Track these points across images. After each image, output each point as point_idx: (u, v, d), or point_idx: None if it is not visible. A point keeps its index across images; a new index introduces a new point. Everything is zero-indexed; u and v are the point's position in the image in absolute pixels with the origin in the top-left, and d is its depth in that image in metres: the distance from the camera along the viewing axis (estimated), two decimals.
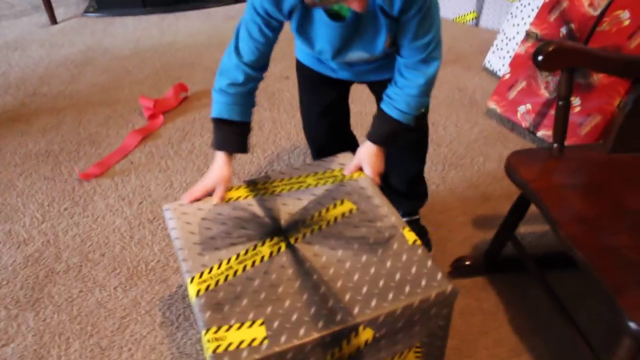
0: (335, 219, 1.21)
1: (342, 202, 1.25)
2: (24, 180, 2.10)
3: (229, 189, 1.32)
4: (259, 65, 1.31)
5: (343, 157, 1.40)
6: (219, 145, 1.33)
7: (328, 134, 1.65)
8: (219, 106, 1.32)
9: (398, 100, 1.29)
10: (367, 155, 1.35)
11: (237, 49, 1.30)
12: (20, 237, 1.84)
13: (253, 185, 1.32)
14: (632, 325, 0.97)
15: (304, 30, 1.25)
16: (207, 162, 2.12)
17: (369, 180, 1.32)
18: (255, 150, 2.17)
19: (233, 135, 1.33)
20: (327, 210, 1.23)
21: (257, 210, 1.25)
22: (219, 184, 1.30)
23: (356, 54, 1.29)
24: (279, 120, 2.33)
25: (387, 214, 1.22)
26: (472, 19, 3.17)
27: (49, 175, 2.11)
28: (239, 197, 1.29)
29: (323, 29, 1.22)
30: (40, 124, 2.41)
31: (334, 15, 1.20)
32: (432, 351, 1.16)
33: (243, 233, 1.18)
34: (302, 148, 2.16)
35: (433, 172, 2.02)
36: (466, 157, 2.10)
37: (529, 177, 1.31)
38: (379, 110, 1.33)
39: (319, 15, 1.20)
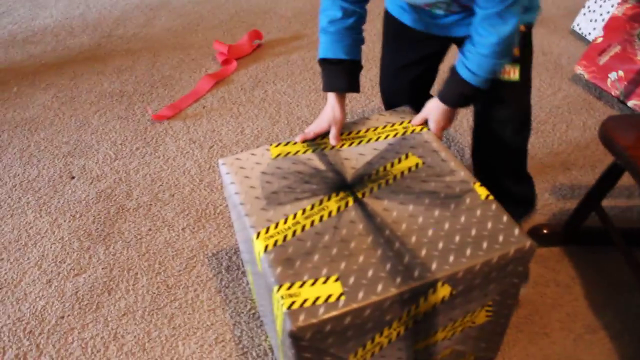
0: (402, 173, 1.16)
1: (406, 157, 1.20)
2: (98, 118, 2.13)
3: (342, 131, 1.28)
4: None
5: (403, 112, 1.34)
6: (327, 86, 1.30)
7: (403, 93, 1.55)
8: (322, 46, 1.28)
9: (470, 59, 1.19)
10: (434, 111, 1.27)
11: None
12: (93, 173, 1.88)
13: (311, 140, 1.27)
14: None
15: None
16: (279, 110, 2.10)
17: (432, 134, 1.27)
18: None
19: (340, 74, 1.28)
20: (392, 164, 1.18)
21: (319, 164, 1.20)
22: (333, 125, 1.27)
23: None
24: None
25: (456, 168, 1.16)
26: None
27: (122, 114, 2.13)
28: (297, 152, 1.24)
29: None
30: (115, 64, 2.43)
31: None
32: (502, 310, 1.13)
33: (307, 188, 1.14)
34: (377, 102, 2.10)
35: None
36: (548, 122, 1.99)
37: (626, 144, 1.22)
38: (452, 67, 1.24)
39: None
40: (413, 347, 1.08)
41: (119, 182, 1.83)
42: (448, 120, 1.29)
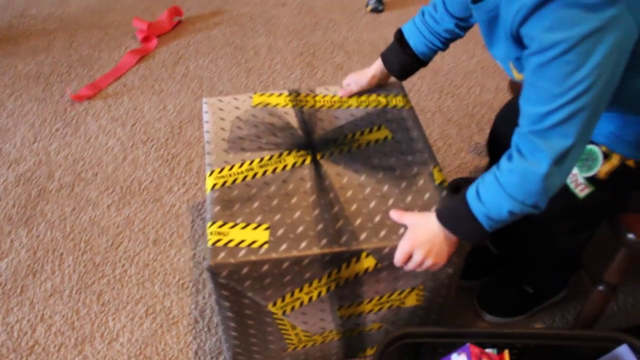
0: (368, 143, 1.18)
1: (379, 128, 1.21)
2: (14, 101, 2.06)
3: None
4: (455, 9, 1.11)
5: (392, 85, 1.33)
6: (384, 52, 1.24)
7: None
8: (410, 21, 1.20)
9: (486, 180, 0.91)
10: (415, 219, 1.00)
11: None
12: (11, 157, 1.82)
13: (295, 95, 1.30)
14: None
15: None
16: (201, 86, 2.09)
17: (413, 112, 1.25)
18: (250, 74, 2.14)
19: (398, 55, 1.21)
20: (362, 133, 1.20)
21: (292, 120, 1.23)
22: (354, 84, 1.27)
23: (497, 59, 0.99)
24: (275, 46, 2.28)
25: (422, 149, 1.16)
26: None
27: (39, 96, 2.07)
28: (277, 104, 1.27)
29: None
30: (29, 45, 2.35)
31: None
32: (435, 298, 1.12)
33: (272, 140, 1.18)
34: (298, 74, 2.13)
35: (429, 100, 2.00)
36: (463, 86, 2.07)
37: None
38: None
39: None
40: (337, 311, 1.11)
41: (39, 164, 1.79)
42: (424, 247, 0.97)
